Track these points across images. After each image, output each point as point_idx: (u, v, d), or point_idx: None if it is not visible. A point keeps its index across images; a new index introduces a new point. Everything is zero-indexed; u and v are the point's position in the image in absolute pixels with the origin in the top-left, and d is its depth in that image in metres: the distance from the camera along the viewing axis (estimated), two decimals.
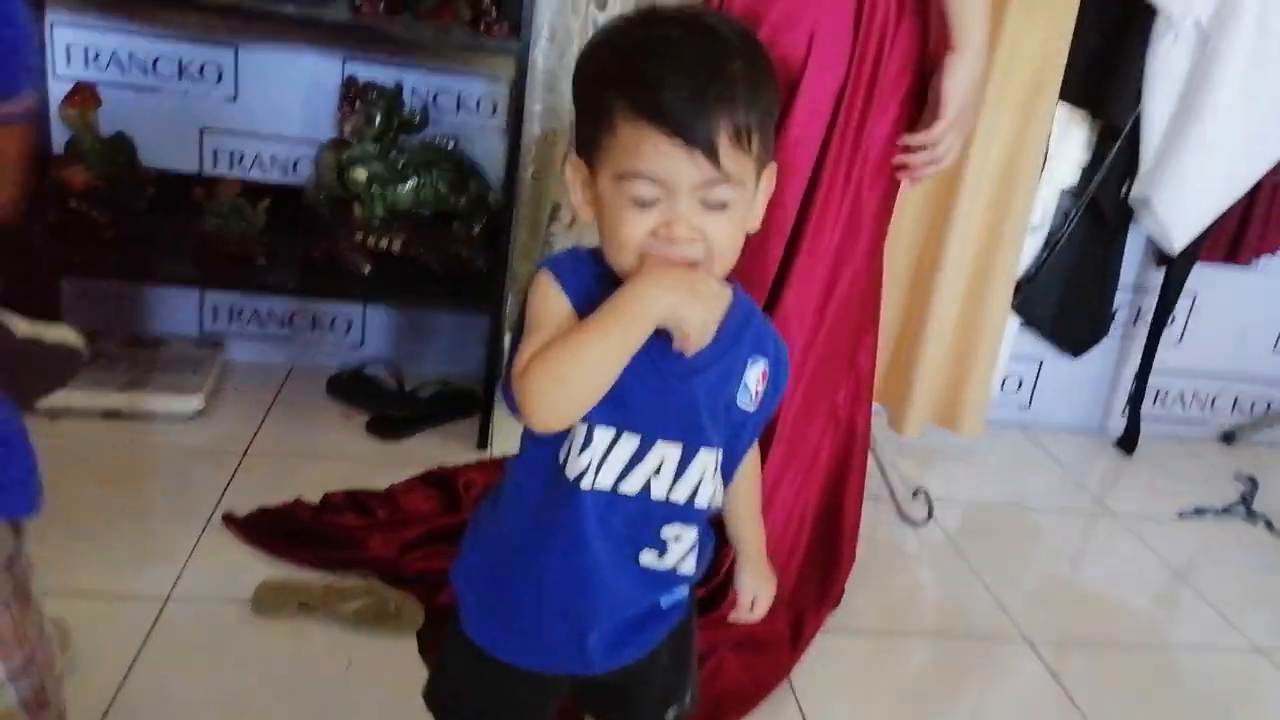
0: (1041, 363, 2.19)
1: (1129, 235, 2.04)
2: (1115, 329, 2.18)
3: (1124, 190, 1.93)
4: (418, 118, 1.69)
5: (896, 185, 1.05)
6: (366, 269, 1.64)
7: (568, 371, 0.65)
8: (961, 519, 1.84)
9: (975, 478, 2.02)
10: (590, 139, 0.68)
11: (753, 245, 0.75)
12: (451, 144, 1.73)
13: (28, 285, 1.69)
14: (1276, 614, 1.69)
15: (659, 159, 0.64)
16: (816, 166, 0.98)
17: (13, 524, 0.78)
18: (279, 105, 1.77)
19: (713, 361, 0.73)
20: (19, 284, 1.59)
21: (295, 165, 1.80)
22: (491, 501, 0.80)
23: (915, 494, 1.79)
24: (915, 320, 1.71)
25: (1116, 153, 1.88)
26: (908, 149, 1.00)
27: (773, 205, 0.77)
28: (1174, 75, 1.78)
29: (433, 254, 1.68)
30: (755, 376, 0.76)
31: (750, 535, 0.83)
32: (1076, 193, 1.95)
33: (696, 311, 0.66)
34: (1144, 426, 2.20)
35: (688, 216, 0.66)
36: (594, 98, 0.68)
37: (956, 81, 0.96)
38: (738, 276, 0.75)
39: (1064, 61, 1.65)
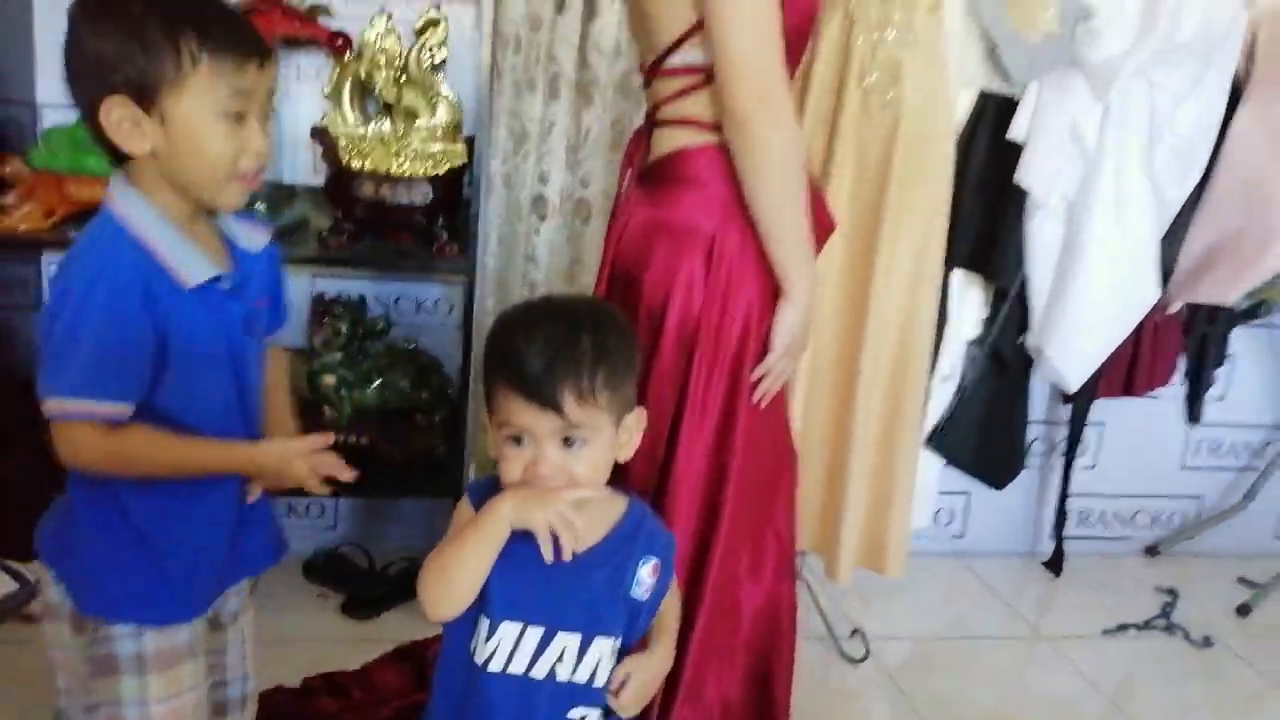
0: (969, 495, 2.37)
1: (1037, 376, 2.25)
2: (1034, 459, 2.37)
3: (1021, 340, 2.15)
4: (380, 324, 1.88)
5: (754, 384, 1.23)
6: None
7: (447, 563, 0.90)
8: (902, 654, 1.98)
9: (915, 611, 2.17)
10: (488, 400, 0.93)
11: (643, 452, 1.00)
12: (412, 345, 1.92)
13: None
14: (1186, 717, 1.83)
15: (523, 415, 0.89)
16: (683, 384, 1.17)
17: None
18: None
19: (607, 560, 0.96)
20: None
21: None
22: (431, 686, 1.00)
23: (853, 634, 1.93)
24: (837, 473, 1.88)
25: (1009, 309, 2.11)
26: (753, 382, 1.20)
27: (648, 432, 1.00)
28: (1049, 243, 2.02)
29: (397, 446, 1.85)
30: (647, 571, 0.98)
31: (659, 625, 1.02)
32: (980, 344, 2.17)
33: (537, 515, 0.88)
34: (1072, 546, 2.37)
35: (550, 456, 0.90)
36: (487, 372, 0.94)
37: (782, 324, 1.17)
38: (634, 483, 0.98)
39: (944, 235, 1.86)
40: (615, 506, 1.00)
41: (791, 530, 1.38)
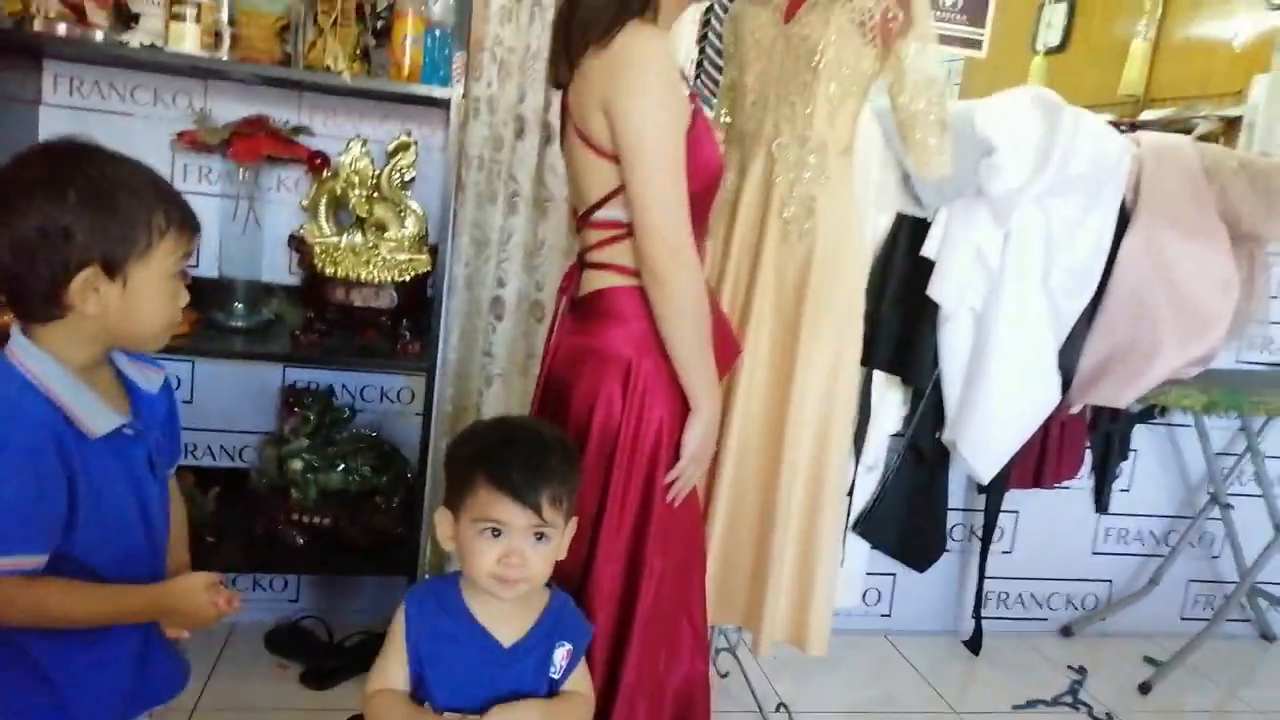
0: (895, 576, 2.53)
1: (954, 467, 2.44)
2: (955, 544, 2.54)
3: (938, 435, 2.35)
4: (345, 413, 2.04)
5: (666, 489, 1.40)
6: (300, 542, 1.94)
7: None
8: None
9: (843, 686, 2.31)
10: (458, 498, 1.12)
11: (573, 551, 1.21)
12: (375, 433, 2.08)
13: None
14: None
15: (505, 511, 1.09)
16: (604, 487, 1.34)
17: None
18: (228, 405, 2.11)
19: (531, 650, 1.17)
20: None
21: (241, 452, 2.13)
22: None
23: (778, 708, 2.08)
24: (763, 554, 2.02)
25: (925, 407, 2.30)
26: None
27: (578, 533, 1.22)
28: (959, 349, 2.22)
29: (358, 526, 1.99)
30: (561, 654, 1.19)
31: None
32: (901, 437, 2.36)
33: None
34: (990, 626, 2.53)
35: (522, 548, 1.10)
36: (463, 471, 1.12)
37: (691, 436, 1.35)
38: (557, 575, 1.16)
39: (858, 342, 2.03)
40: (540, 599, 1.19)
41: (704, 612, 1.54)
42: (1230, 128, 3.47)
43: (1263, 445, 2.46)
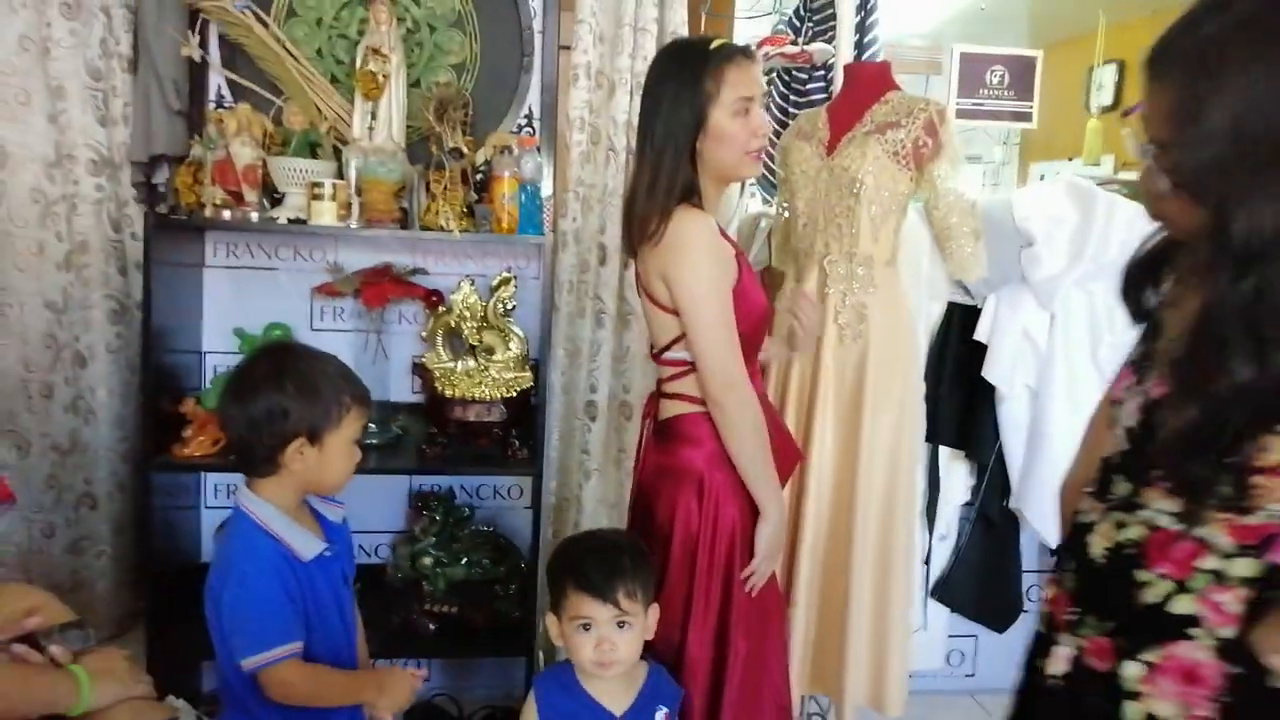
0: (977, 638, 2.67)
1: (1025, 531, 2.58)
2: (1032, 604, 2.67)
3: (1006, 503, 2.50)
4: (466, 512, 2.33)
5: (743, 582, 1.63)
6: (432, 629, 2.22)
7: None
8: None
9: None
10: (557, 602, 1.42)
11: (661, 638, 1.49)
12: (491, 528, 2.36)
13: (184, 671, 2.28)
14: None
15: (590, 608, 1.39)
16: (690, 582, 1.58)
17: None
18: (365, 509, 2.42)
19: (639, 714, 1.44)
20: (177, 669, 2.18)
21: (377, 550, 2.44)
22: None
23: None
24: (839, 624, 2.18)
25: (990, 477, 2.47)
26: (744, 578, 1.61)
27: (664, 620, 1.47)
28: (1018, 423, 2.40)
29: (480, 613, 2.26)
30: (661, 717, 1.46)
31: None
32: (970, 507, 2.53)
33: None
34: None
35: (609, 635, 1.39)
36: (558, 581, 1.43)
37: (761, 536, 1.58)
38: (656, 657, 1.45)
39: (916, 423, 2.22)
40: (641, 672, 1.45)
41: (787, 683, 1.74)
42: None
43: None
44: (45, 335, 2.43)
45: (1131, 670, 0.96)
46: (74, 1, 2.29)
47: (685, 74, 1.50)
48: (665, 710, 1.46)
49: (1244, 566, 0.91)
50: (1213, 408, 0.88)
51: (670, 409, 1.62)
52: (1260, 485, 0.89)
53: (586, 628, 1.39)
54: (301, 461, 1.32)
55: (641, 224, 1.53)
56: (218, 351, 2.37)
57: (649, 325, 1.64)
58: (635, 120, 2.31)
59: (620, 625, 1.40)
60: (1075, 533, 1.06)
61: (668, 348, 1.59)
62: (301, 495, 1.39)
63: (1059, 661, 1.05)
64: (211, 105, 2.33)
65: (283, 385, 1.31)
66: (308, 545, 1.35)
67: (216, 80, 2.33)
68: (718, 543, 1.57)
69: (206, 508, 2.42)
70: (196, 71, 2.30)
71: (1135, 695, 0.95)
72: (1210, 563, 0.93)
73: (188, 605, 2.23)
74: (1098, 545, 1.02)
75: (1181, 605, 0.94)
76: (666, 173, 1.51)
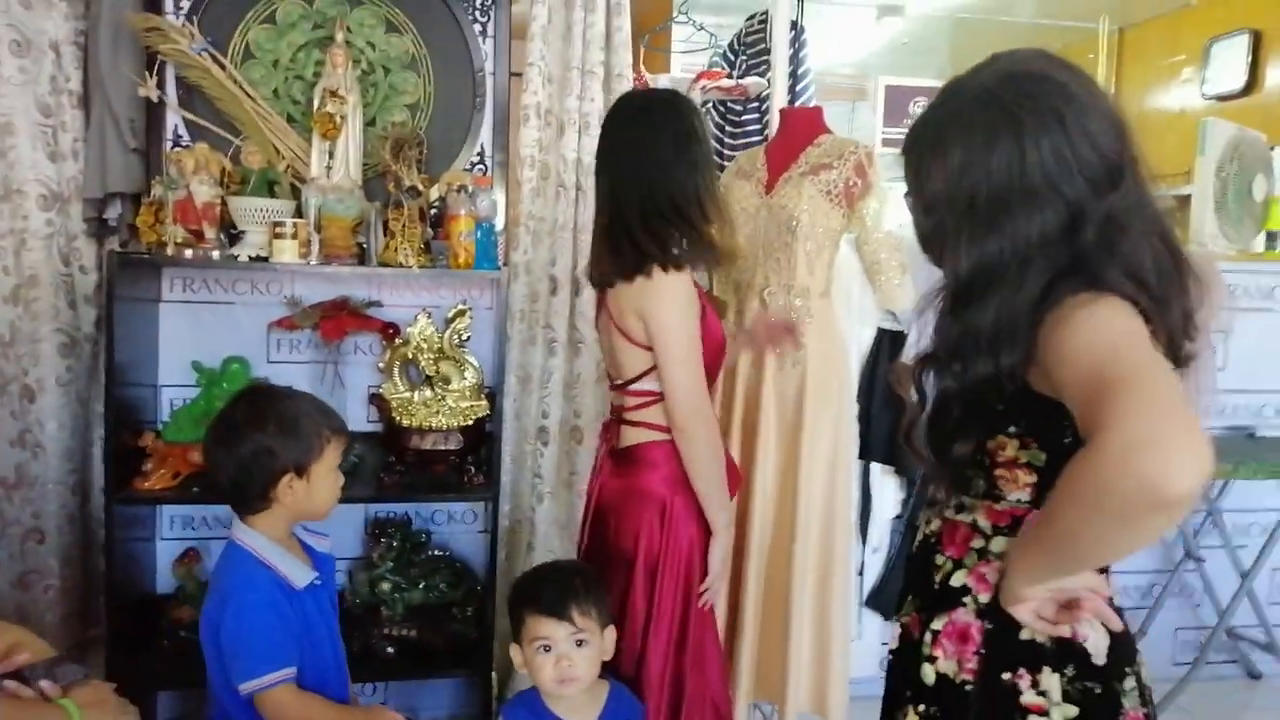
0: None
1: None
2: None
3: None
4: (422, 537, 2.41)
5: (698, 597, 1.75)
6: (391, 651, 2.29)
7: None
8: None
9: None
10: (518, 630, 1.52)
11: (624, 650, 1.60)
12: (448, 553, 2.44)
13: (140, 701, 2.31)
14: None
15: (547, 628, 1.48)
16: (650, 597, 1.69)
17: None
18: None
19: None
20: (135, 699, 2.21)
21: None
22: None
23: None
24: (784, 637, 2.32)
25: (918, 492, 2.64)
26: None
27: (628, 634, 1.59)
28: None
29: (438, 635, 2.34)
30: None
31: None
32: (900, 519, 2.70)
33: None
34: None
35: (568, 653, 1.49)
36: (516, 610, 1.54)
37: (714, 554, 1.72)
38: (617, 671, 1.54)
39: (851, 443, 2.38)
40: (602, 690, 1.55)
41: (725, 690, 1.86)
42: (1184, 205, 3.84)
43: (1224, 502, 2.77)
44: None
45: (927, 637, 1.15)
46: (23, 39, 2.30)
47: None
48: None
49: (999, 544, 1.12)
50: (935, 408, 1.14)
51: (632, 436, 1.74)
52: (1003, 476, 1.11)
53: (546, 649, 1.49)
54: (292, 494, 1.41)
55: (616, 268, 1.65)
56: (174, 385, 2.40)
57: (615, 358, 1.75)
58: (583, 157, 2.45)
59: (578, 644, 1.50)
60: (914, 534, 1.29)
61: (636, 379, 1.71)
62: (292, 525, 1.47)
63: (893, 638, 1.27)
64: (169, 144, 2.37)
65: (265, 426, 1.39)
66: (300, 574, 1.43)
67: (174, 119, 2.38)
68: (678, 561, 1.69)
69: (162, 539, 2.45)
70: (153, 110, 2.35)
71: (930, 658, 1.14)
72: (977, 543, 1.14)
73: (146, 635, 2.27)
74: (918, 540, 1.25)
75: (958, 579, 1.14)
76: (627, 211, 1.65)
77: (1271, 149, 3.25)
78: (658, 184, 1.63)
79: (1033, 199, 1.00)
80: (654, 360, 1.65)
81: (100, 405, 2.41)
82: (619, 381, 1.75)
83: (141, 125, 2.34)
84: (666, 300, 1.62)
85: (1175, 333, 1.04)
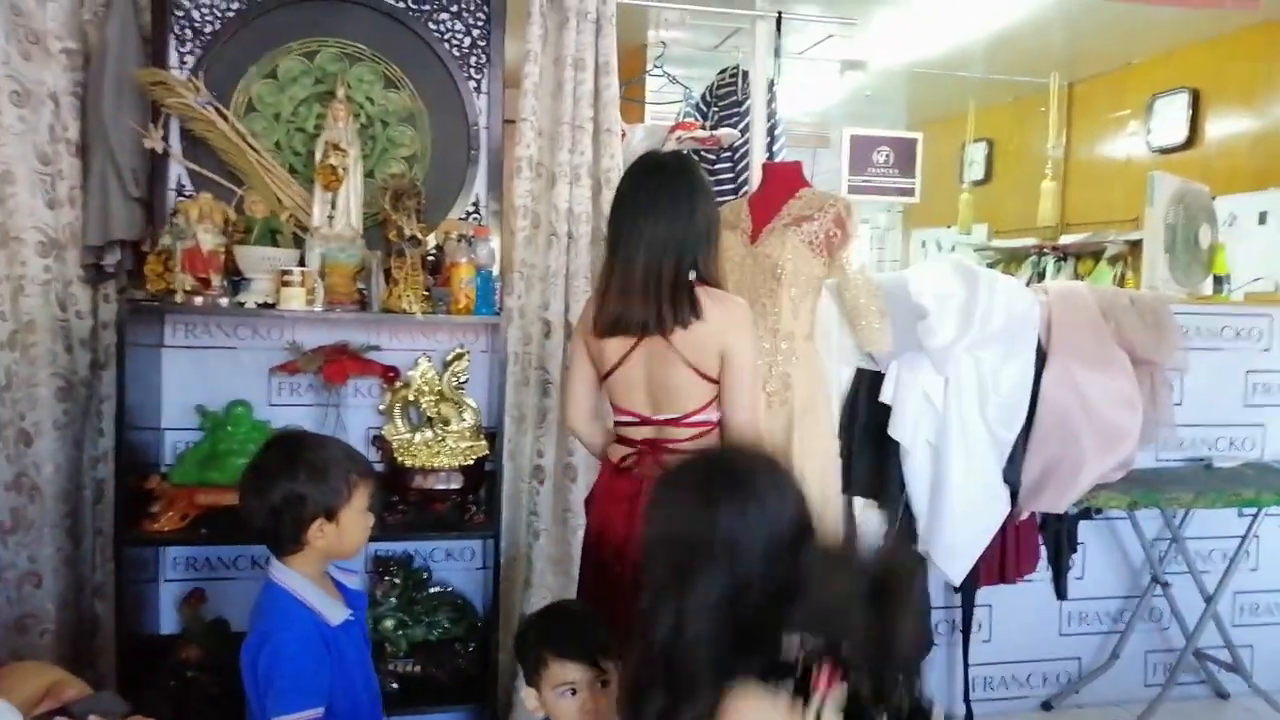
0: None
1: (932, 571, 2.86)
2: (941, 638, 2.95)
3: (914, 546, 2.78)
4: (424, 575, 2.46)
5: None
6: (395, 687, 2.33)
7: None
8: None
9: None
10: (535, 675, 1.53)
11: None
12: (449, 589, 2.50)
13: None
14: None
15: (573, 672, 1.51)
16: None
17: None
18: None
19: None
20: None
21: None
22: None
23: None
24: None
25: (900, 524, 2.75)
26: None
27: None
28: (921, 475, 2.68)
29: (441, 669, 2.38)
30: None
31: None
32: None
33: None
34: (980, 707, 2.91)
35: (595, 697, 1.50)
36: (533, 655, 1.54)
37: None
38: None
39: (838, 476, 2.50)
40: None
41: None
42: (1136, 249, 4.05)
43: (1187, 529, 2.92)
44: None
45: None
46: (23, 90, 2.37)
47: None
48: None
49: None
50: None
51: None
52: None
53: (573, 692, 1.51)
54: (323, 538, 1.48)
55: (678, 310, 1.75)
56: (177, 428, 2.45)
57: (675, 394, 1.82)
58: (574, 207, 2.56)
59: (603, 684, 1.53)
60: None
61: (698, 411, 1.82)
62: (325, 565, 1.53)
63: None
64: (172, 193, 2.44)
65: (295, 474, 1.46)
66: (335, 612, 1.49)
67: (177, 169, 2.45)
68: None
69: (166, 580, 2.48)
70: (156, 160, 2.42)
71: None
72: None
73: (152, 675, 2.29)
74: None
75: None
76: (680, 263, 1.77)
77: (1213, 199, 3.46)
78: (703, 236, 1.79)
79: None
80: (716, 392, 1.78)
81: (94, 449, 2.45)
82: (672, 416, 1.83)
83: (144, 174, 2.41)
84: (748, 328, 1.80)
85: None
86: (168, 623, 2.43)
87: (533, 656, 1.55)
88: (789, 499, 1.23)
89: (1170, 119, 4.91)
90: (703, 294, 1.78)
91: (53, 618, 2.48)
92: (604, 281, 1.84)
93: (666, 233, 1.76)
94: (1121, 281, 4.05)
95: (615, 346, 1.83)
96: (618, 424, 1.92)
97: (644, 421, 1.87)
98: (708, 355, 1.78)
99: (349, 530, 1.50)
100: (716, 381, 1.79)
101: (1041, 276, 4.71)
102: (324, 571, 1.55)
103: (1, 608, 2.47)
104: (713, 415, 1.82)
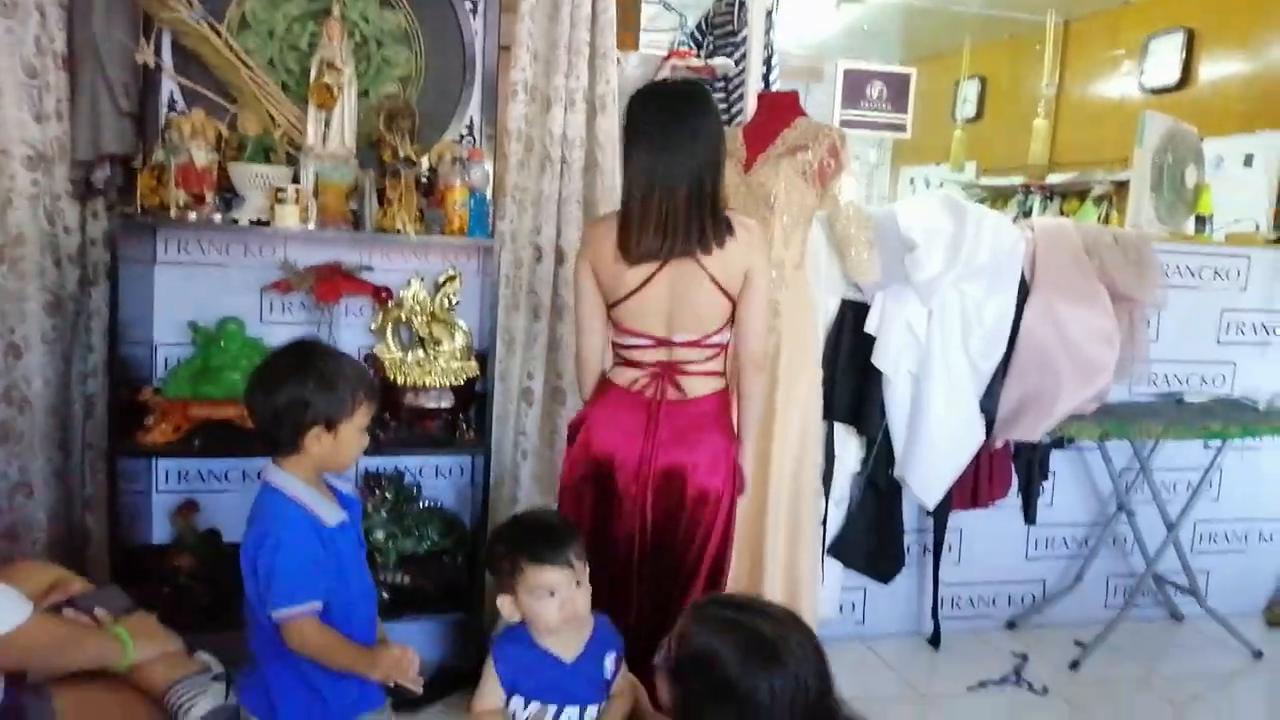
0: (866, 590, 3.04)
1: (906, 496, 2.95)
2: (912, 559, 3.05)
3: (890, 471, 2.87)
4: (414, 491, 2.52)
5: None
6: (385, 597, 2.41)
7: None
8: None
9: None
10: (511, 580, 1.59)
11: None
12: (438, 504, 2.57)
13: None
14: None
15: (553, 575, 1.57)
16: (727, 521, 1.90)
17: None
18: None
19: (589, 659, 1.64)
20: None
21: None
22: None
23: None
24: (757, 574, 2.51)
25: (878, 449, 2.83)
26: None
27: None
28: (901, 403, 2.76)
29: (430, 581, 2.47)
30: (610, 660, 1.67)
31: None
32: (861, 474, 2.89)
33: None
34: (948, 625, 3.04)
35: (574, 596, 1.58)
36: (508, 562, 1.59)
37: (746, 472, 1.95)
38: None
39: (820, 404, 2.58)
40: (588, 624, 1.68)
41: None
42: (1121, 190, 4.09)
43: (1155, 460, 3.02)
44: None
45: None
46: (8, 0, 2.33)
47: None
48: (614, 654, 1.68)
49: None
50: None
51: (700, 386, 1.91)
52: None
53: (551, 594, 1.57)
54: (319, 446, 1.52)
55: (716, 231, 1.82)
56: (169, 344, 2.48)
57: (700, 315, 1.87)
58: (568, 132, 2.56)
59: (577, 584, 1.60)
60: None
61: (716, 332, 1.89)
62: (319, 473, 1.58)
63: None
64: (164, 109, 2.43)
65: (305, 380, 1.50)
66: (331, 513, 1.54)
67: (169, 85, 2.43)
68: (737, 489, 1.93)
69: (158, 492, 2.53)
70: (148, 75, 2.40)
71: None
72: None
73: (143, 583, 2.35)
74: None
75: None
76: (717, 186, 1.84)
77: (1202, 141, 3.49)
78: (721, 159, 1.86)
79: None
80: (731, 313, 1.86)
81: (84, 365, 2.47)
82: (691, 338, 1.88)
83: (135, 89, 2.39)
84: (766, 249, 1.91)
85: None
86: (160, 534, 2.49)
87: (508, 565, 1.59)
88: (813, 669, 1.35)
89: (1164, 59, 4.90)
90: (729, 215, 1.85)
91: (44, 527, 2.52)
92: (635, 209, 1.83)
93: (701, 156, 1.80)
94: (1106, 221, 4.10)
95: (637, 272, 1.85)
96: (625, 348, 1.94)
97: (659, 344, 1.90)
98: (735, 274, 1.84)
99: (345, 444, 1.54)
100: (734, 302, 1.86)
101: (1028, 214, 4.75)
102: (320, 477, 1.59)
103: None
104: (726, 337, 1.90)
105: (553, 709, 1.61)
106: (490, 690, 1.61)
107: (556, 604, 1.57)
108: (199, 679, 1.58)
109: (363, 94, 2.47)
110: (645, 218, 1.82)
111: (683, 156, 1.79)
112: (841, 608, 3.01)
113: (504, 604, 1.61)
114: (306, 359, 1.53)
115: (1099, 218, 4.24)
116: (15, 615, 1.33)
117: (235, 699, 1.59)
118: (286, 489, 1.52)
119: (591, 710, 1.63)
